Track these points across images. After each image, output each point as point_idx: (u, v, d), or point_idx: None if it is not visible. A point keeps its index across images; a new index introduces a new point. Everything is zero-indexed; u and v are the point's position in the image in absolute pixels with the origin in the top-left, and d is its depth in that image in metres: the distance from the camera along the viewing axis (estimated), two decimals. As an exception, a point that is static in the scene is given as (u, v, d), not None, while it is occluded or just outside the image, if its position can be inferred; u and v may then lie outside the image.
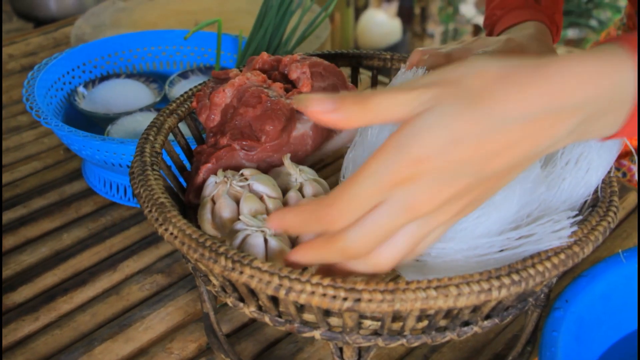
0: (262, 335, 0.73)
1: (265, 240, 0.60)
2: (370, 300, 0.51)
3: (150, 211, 0.60)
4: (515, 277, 0.53)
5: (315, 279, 0.52)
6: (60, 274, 0.80)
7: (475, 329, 0.58)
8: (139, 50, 1.05)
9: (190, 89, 0.77)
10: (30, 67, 1.23)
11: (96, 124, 0.98)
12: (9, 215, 0.89)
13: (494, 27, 0.89)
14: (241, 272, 0.53)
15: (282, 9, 0.94)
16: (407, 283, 0.52)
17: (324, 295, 0.51)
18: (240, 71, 0.79)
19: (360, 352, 0.60)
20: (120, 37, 1.03)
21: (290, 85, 0.74)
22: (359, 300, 0.51)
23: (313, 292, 0.51)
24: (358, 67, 0.87)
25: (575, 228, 0.57)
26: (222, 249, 0.55)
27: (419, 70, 0.72)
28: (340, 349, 0.60)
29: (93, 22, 1.25)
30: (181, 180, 0.73)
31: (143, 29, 1.24)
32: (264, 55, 0.77)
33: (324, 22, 1.25)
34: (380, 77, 0.89)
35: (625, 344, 0.65)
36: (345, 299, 0.51)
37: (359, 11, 2.72)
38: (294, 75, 0.74)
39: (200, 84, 0.78)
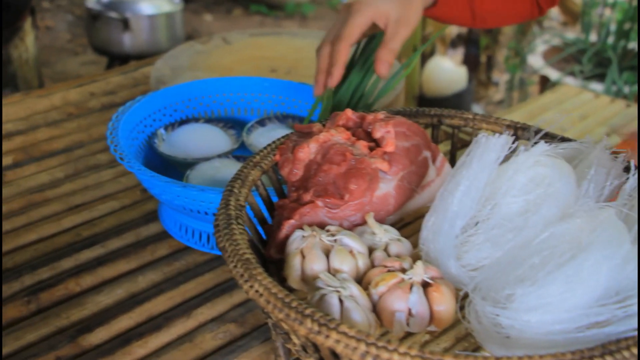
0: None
1: (341, 301, 0.60)
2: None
3: (235, 266, 0.61)
4: (609, 359, 0.52)
5: (402, 348, 0.51)
6: (135, 317, 0.81)
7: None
8: (218, 95, 1.06)
9: (274, 142, 0.78)
10: (110, 105, 1.26)
11: (174, 167, 1.00)
12: (87, 254, 0.91)
13: None
14: (327, 336, 0.53)
15: (366, 65, 0.95)
16: (498, 359, 0.51)
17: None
18: (323, 126, 0.79)
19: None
20: (201, 83, 1.05)
21: (374, 144, 0.74)
22: (446, 372, 0.50)
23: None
24: (439, 125, 0.86)
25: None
26: (308, 311, 0.55)
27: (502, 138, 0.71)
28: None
29: (172, 65, 1.28)
30: (261, 232, 0.73)
31: (219, 73, 1.27)
32: (348, 112, 0.77)
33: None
34: (462, 135, 0.89)
35: None
36: (433, 371, 0.50)
37: (425, 58, 2.73)
38: (378, 134, 0.74)
39: (282, 137, 0.79)
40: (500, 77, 3.31)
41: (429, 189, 0.78)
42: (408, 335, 0.69)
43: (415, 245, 0.70)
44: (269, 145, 0.78)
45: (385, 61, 0.89)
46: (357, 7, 0.90)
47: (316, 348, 0.58)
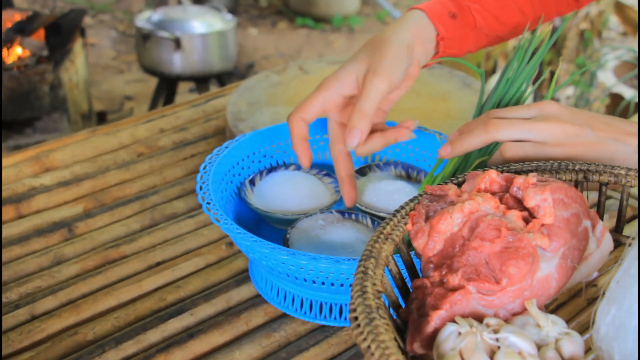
0: None
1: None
2: None
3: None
4: None
5: None
6: (235, 403, 0.71)
7: None
8: (310, 138, 0.96)
9: (402, 207, 0.67)
10: (182, 143, 1.16)
11: (265, 221, 0.89)
12: (175, 324, 0.80)
13: None
14: None
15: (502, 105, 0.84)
16: None
17: None
18: (459, 187, 0.68)
19: None
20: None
21: (528, 214, 0.63)
22: None
23: None
24: (584, 181, 0.75)
25: None
26: None
27: None
28: None
29: (248, 98, 1.17)
30: (394, 317, 0.62)
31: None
32: (492, 173, 0.66)
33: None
34: (610, 192, 0.77)
35: None
36: None
37: (487, 75, 2.60)
38: (531, 203, 0.63)
39: (412, 201, 0.68)
40: (562, 92, 3.17)
41: (587, 263, 0.66)
42: None
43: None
44: (397, 211, 0.66)
45: (354, 128, 0.78)
46: (325, 80, 0.84)
47: None
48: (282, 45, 3.83)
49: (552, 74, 2.91)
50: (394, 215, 0.66)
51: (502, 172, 0.71)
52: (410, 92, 1.22)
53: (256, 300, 0.84)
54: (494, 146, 0.90)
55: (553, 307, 0.68)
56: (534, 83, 2.77)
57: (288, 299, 0.81)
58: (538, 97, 2.72)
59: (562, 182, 0.65)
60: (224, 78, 2.55)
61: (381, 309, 0.56)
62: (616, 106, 2.39)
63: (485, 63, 2.58)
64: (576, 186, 0.77)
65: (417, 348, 0.58)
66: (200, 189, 0.80)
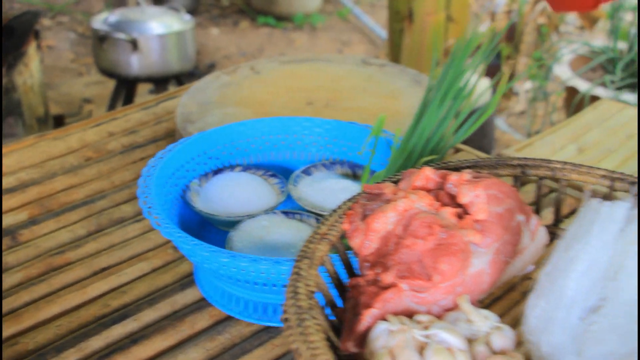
0: None
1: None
2: None
3: (315, 378, 0.50)
4: None
5: None
6: (178, 408, 0.70)
7: None
8: (257, 139, 0.95)
9: (339, 207, 0.67)
10: (131, 146, 1.15)
11: (210, 223, 0.89)
12: (118, 330, 0.79)
13: None
14: None
15: (444, 104, 0.84)
16: None
17: None
18: (395, 183, 0.68)
19: None
20: (238, 125, 0.94)
21: (462, 210, 0.63)
22: None
23: None
24: (521, 176, 0.75)
25: None
26: None
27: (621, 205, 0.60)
28: None
29: (199, 99, 1.17)
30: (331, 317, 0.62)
31: (252, 107, 1.16)
32: (427, 171, 0.66)
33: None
34: (549, 183, 0.77)
35: None
36: None
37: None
38: (465, 199, 0.63)
39: (349, 200, 0.68)
40: (520, 86, 3.20)
41: (522, 257, 0.67)
42: None
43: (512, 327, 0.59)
44: (334, 211, 0.67)
45: None
46: None
47: None
48: (244, 45, 3.81)
49: (512, 68, 2.93)
50: (331, 215, 0.66)
51: (438, 169, 0.71)
52: (360, 90, 1.23)
53: (201, 304, 0.83)
54: (442, 145, 0.90)
55: (488, 302, 0.68)
56: (491, 77, 2.77)
57: (233, 302, 0.81)
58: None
59: (496, 178, 0.66)
60: (183, 79, 2.53)
61: (314, 309, 0.56)
62: (571, 99, 2.42)
63: (445, 59, 2.59)
64: (515, 181, 0.78)
65: (351, 347, 0.58)
66: (143, 193, 0.80)
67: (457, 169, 0.73)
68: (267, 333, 0.79)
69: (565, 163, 0.74)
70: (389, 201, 0.64)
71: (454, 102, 0.90)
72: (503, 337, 0.57)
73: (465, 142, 1.20)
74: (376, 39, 3.93)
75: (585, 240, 0.58)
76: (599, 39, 3.15)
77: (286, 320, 0.55)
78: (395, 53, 2.58)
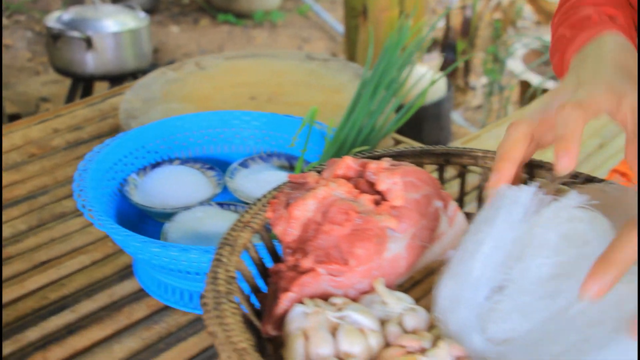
0: None
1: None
2: None
3: (229, 358, 0.52)
4: None
5: None
6: (112, 396, 0.72)
7: None
8: (195, 133, 0.97)
9: (264, 195, 0.69)
10: (76, 142, 1.16)
11: (150, 216, 0.90)
12: (55, 322, 0.81)
13: (565, 50, 0.77)
14: None
15: (375, 97, 0.87)
16: None
17: None
18: (319, 173, 0.71)
19: None
20: (176, 119, 0.96)
21: (380, 197, 0.65)
22: None
23: None
24: (445, 164, 0.78)
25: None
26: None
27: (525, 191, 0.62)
28: None
29: (143, 96, 1.18)
30: (255, 302, 0.64)
31: (195, 102, 1.17)
32: (348, 160, 0.68)
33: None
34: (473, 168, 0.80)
35: None
36: None
37: (401, 66, 2.65)
38: (383, 186, 0.65)
39: (274, 189, 0.70)
40: (477, 81, 3.25)
41: (440, 242, 0.69)
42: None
43: (428, 309, 0.62)
44: (259, 200, 0.69)
45: None
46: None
47: None
48: (204, 42, 3.81)
49: (467, 63, 2.98)
50: (255, 204, 0.68)
51: (363, 158, 0.73)
52: (303, 85, 1.25)
53: (139, 295, 0.85)
54: (374, 135, 0.93)
55: (408, 285, 0.71)
56: (451, 73, 2.82)
57: (169, 292, 0.83)
58: (452, 85, 2.79)
59: (414, 166, 0.68)
60: (140, 76, 2.53)
61: (233, 294, 0.58)
62: (524, 93, 2.47)
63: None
64: (441, 170, 0.80)
65: (270, 330, 0.60)
66: (78, 186, 0.81)
67: (381, 158, 0.75)
68: (202, 322, 0.81)
69: (488, 151, 0.77)
70: (311, 190, 0.66)
71: (387, 94, 0.93)
72: (416, 318, 0.59)
73: (422, 137, 1.23)
74: (336, 36, 3.95)
75: (492, 223, 0.60)
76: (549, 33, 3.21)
77: (205, 304, 0.57)
78: (351, 49, 2.60)
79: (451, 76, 2.94)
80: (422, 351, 0.54)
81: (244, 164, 0.94)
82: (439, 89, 2.58)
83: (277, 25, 4.08)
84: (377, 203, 0.65)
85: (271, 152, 0.97)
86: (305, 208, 0.64)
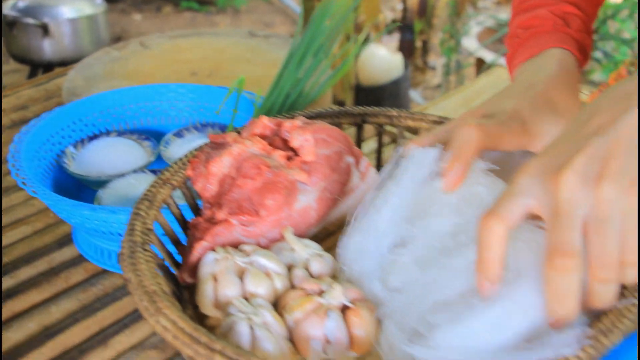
0: None
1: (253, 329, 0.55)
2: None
3: (141, 300, 0.56)
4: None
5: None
6: (48, 352, 0.75)
7: None
8: (132, 106, 1.00)
9: (185, 155, 0.73)
10: (21, 121, 1.18)
11: (88, 187, 0.93)
12: (-6, 288, 0.84)
13: (515, 52, 0.81)
14: (239, 374, 0.49)
15: (303, 62, 0.90)
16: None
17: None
18: (239, 133, 0.74)
19: None
20: (112, 93, 0.99)
21: (293, 153, 0.69)
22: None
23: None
24: (363, 124, 0.82)
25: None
26: (217, 346, 0.50)
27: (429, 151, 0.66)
28: None
29: (86, 74, 1.21)
30: (175, 254, 0.68)
31: (138, 80, 1.20)
32: (264, 119, 0.72)
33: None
34: (389, 128, 0.84)
35: None
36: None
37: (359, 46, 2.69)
38: (296, 143, 0.69)
39: (196, 149, 0.73)
40: (437, 60, 3.30)
41: (353, 196, 0.73)
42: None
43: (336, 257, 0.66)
44: (180, 159, 0.72)
45: None
46: None
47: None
48: (167, 29, 3.82)
49: (425, 42, 3.02)
50: (175, 163, 0.72)
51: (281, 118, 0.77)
52: (244, 60, 1.28)
53: (78, 260, 0.88)
54: (301, 101, 0.96)
55: (322, 236, 0.75)
56: (409, 53, 2.86)
57: (106, 255, 0.86)
58: (410, 65, 2.83)
59: (326, 124, 0.72)
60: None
61: (148, 244, 0.62)
62: (479, 69, 2.52)
63: (356, 34, 2.66)
64: (359, 129, 0.84)
65: (186, 277, 0.64)
66: (13, 157, 0.84)
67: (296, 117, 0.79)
68: (138, 283, 0.84)
69: (402, 111, 0.81)
70: (228, 147, 0.70)
71: (314, 61, 0.96)
72: (321, 263, 0.63)
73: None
74: (298, 19, 3.97)
75: (399, 182, 0.64)
76: (506, 12, 3.27)
77: (121, 254, 0.60)
78: (308, 31, 2.63)
79: (410, 56, 2.98)
80: (320, 293, 0.58)
81: (178, 134, 0.97)
82: (396, 67, 2.62)
83: (240, 11, 4.10)
84: (289, 159, 0.69)
85: (206, 123, 1.00)
86: (221, 164, 0.68)
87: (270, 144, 0.71)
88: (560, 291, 0.50)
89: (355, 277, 0.63)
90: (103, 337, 0.77)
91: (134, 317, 0.80)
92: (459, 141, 0.63)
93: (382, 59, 2.64)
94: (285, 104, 0.91)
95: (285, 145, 0.71)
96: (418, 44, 3.00)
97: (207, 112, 1.01)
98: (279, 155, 0.68)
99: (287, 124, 0.71)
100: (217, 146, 0.72)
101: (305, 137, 0.69)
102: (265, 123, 0.72)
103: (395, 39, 3.08)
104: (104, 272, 0.86)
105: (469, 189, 0.64)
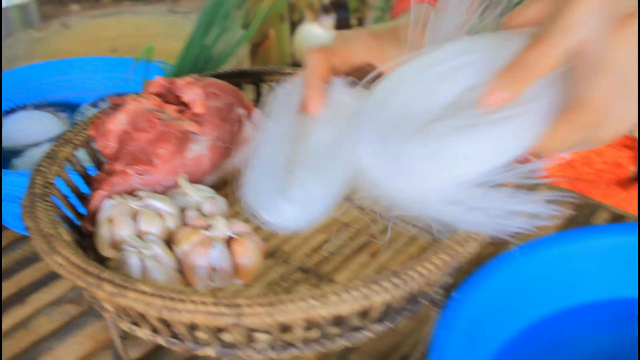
0: (170, 357, 0.73)
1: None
2: (252, 315, 0.52)
3: (39, 243, 0.60)
4: (396, 281, 0.54)
5: (197, 297, 0.52)
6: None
7: (367, 333, 0.59)
8: (48, 80, 1.04)
9: (89, 117, 0.77)
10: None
11: (7, 160, 0.97)
12: None
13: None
14: (125, 297, 0.54)
15: (211, 26, 0.95)
16: (289, 294, 0.52)
17: (208, 313, 0.52)
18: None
19: (257, 366, 0.60)
20: (28, 68, 1.03)
21: (185, 107, 0.74)
22: (241, 315, 0.52)
23: (197, 311, 0.52)
24: (260, 83, 0.87)
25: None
26: (105, 275, 0.55)
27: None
28: (237, 365, 0.60)
29: (6, 55, 1.24)
30: (80, 208, 0.73)
31: (58, 58, 1.23)
32: (159, 79, 0.77)
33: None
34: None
35: (523, 339, 0.66)
36: (228, 315, 0.52)
37: (295, 26, 2.74)
38: (187, 97, 0.74)
39: (98, 112, 0.78)
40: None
41: (248, 146, 0.79)
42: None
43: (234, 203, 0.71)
44: (82, 121, 0.77)
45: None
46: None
47: (126, 312, 0.59)
48: (107, 19, 3.82)
49: (360, 20, 3.08)
50: (78, 124, 0.76)
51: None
52: (163, 36, 1.33)
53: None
54: (208, 68, 1.01)
55: (220, 184, 0.79)
56: (337, 29, 2.89)
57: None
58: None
59: (217, 80, 0.77)
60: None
61: (48, 196, 0.66)
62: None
63: (291, 14, 2.71)
64: (258, 87, 0.89)
65: (88, 226, 0.69)
66: None
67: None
68: (57, 245, 0.89)
69: (297, 68, 0.87)
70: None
71: (221, 27, 1.01)
72: (213, 205, 0.68)
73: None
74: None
75: (275, 113, 0.70)
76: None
77: (23, 206, 0.65)
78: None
79: (346, 34, 3.03)
80: (207, 228, 0.63)
81: (94, 104, 1.02)
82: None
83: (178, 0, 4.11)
84: (181, 112, 0.74)
85: (122, 93, 1.05)
86: (118, 121, 0.73)
87: (165, 101, 0.76)
88: (566, 140, 0.52)
89: (260, 209, 0.68)
90: (21, 295, 0.81)
91: (53, 275, 0.84)
92: (306, 69, 0.69)
93: (318, 38, 2.69)
94: (193, 70, 0.96)
95: (178, 101, 0.76)
96: (353, 21, 3.06)
97: (122, 83, 1.06)
98: (171, 109, 0.73)
99: (180, 81, 0.76)
100: (117, 107, 0.77)
101: (195, 91, 0.75)
102: (160, 82, 0.77)
103: (331, 17, 3.13)
104: (24, 238, 0.90)
105: (335, 103, 0.69)
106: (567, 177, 1.09)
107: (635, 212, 1.00)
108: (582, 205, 0.93)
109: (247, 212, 0.69)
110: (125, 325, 0.60)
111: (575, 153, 1.11)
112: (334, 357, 0.72)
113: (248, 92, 0.86)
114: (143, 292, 0.53)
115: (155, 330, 0.59)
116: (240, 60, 1.23)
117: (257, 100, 0.88)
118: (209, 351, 0.58)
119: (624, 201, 1.03)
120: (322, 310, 0.52)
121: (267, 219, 0.67)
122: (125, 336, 0.70)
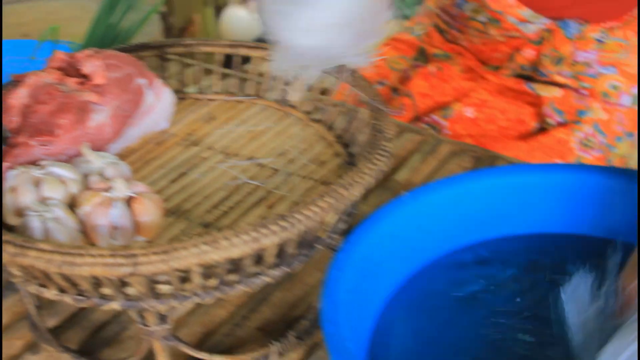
0: (88, 322, 0.75)
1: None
2: (148, 263, 0.54)
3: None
4: (284, 224, 0.58)
5: (94, 251, 0.55)
6: None
7: (265, 278, 0.63)
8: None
9: (-8, 95, 0.79)
10: None
11: None
12: None
13: None
14: (26, 256, 0.56)
15: (113, 13, 0.97)
16: (182, 242, 0.55)
17: (105, 264, 0.54)
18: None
19: (163, 315, 0.63)
20: None
21: (85, 79, 0.77)
22: (137, 264, 0.54)
23: (95, 264, 0.55)
24: (164, 55, 0.90)
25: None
26: (8, 237, 0.57)
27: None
28: (142, 316, 0.63)
29: None
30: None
31: (-31, 46, 1.23)
32: (59, 53, 0.79)
33: (153, 19, 1.27)
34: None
35: (415, 282, 0.70)
36: (125, 265, 0.54)
37: (220, 10, 2.75)
38: (87, 69, 0.76)
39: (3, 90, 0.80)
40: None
41: (152, 115, 0.81)
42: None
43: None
44: (-16, 99, 0.78)
45: None
46: None
47: (32, 274, 0.61)
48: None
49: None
50: (-20, 102, 0.78)
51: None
52: (75, 19, 1.33)
53: None
54: (115, 45, 1.03)
55: (126, 153, 0.82)
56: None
57: None
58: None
59: (116, 52, 0.80)
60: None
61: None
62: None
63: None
64: (163, 60, 0.92)
65: (-4, 199, 0.71)
66: None
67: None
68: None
69: (198, 40, 0.90)
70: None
71: (125, 6, 1.03)
72: (115, 170, 0.71)
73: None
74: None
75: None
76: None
77: None
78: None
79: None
80: (108, 189, 0.66)
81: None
82: (255, 27, 2.70)
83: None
84: (82, 84, 0.76)
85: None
86: (18, 95, 0.75)
87: (66, 74, 0.78)
88: None
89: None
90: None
91: None
92: None
93: (242, 20, 2.71)
94: (103, 43, 0.98)
95: (79, 73, 0.78)
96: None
97: (31, 64, 1.07)
98: (71, 82, 0.76)
99: (80, 54, 0.78)
100: (18, 83, 0.79)
101: (95, 63, 0.77)
102: (61, 57, 0.79)
103: (256, 1, 3.14)
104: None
105: None
106: (472, 134, 1.14)
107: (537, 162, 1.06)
108: (482, 157, 0.98)
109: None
110: (34, 288, 0.62)
111: (480, 112, 1.17)
112: (245, 309, 0.75)
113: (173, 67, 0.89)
114: (43, 250, 0.55)
115: (62, 290, 0.61)
116: (153, 39, 1.25)
117: (163, 72, 0.90)
118: (115, 305, 0.61)
119: (524, 152, 1.09)
120: (214, 254, 0.55)
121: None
122: (40, 305, 0.73)
